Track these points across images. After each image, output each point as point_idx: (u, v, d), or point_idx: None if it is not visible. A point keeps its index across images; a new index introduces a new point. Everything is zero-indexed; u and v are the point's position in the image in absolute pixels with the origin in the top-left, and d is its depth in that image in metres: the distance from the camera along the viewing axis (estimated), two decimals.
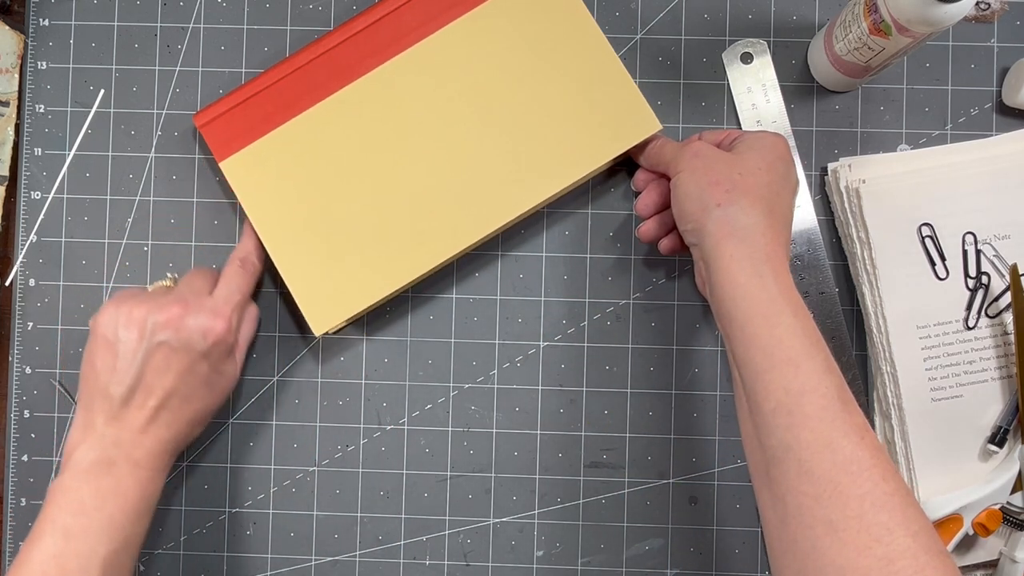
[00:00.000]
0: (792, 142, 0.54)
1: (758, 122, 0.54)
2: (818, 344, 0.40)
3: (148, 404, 0.46)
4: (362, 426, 0.55)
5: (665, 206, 0.51)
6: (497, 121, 0.51)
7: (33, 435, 0.55)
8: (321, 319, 0.51)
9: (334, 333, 0.54)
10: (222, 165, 0.52)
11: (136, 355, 0.46)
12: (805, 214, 0.54)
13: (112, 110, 0.56)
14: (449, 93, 0.51)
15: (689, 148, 0.47)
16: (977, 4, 0.54)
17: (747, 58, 0.55)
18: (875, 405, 0.53)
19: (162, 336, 0.46)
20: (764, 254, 0.42)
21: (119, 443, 0.45)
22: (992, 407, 0.52)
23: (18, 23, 0.56)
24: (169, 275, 0.55)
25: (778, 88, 0.54)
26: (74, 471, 0.44)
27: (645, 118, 0.50)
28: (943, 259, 0.52)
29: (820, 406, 0.38)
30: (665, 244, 0.52)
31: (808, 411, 0.38)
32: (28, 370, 0.55)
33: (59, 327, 0.55)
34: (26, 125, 0.56)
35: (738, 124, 0.55)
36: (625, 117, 0.51)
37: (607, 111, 0.51)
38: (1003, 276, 0.52)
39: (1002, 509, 0.51)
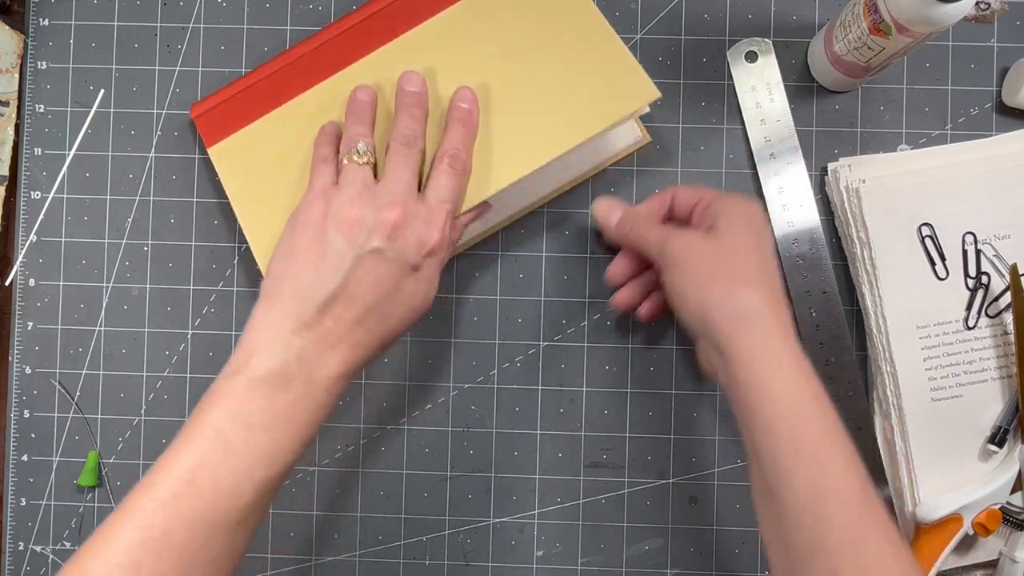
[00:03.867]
0: (795, 141, 0.54)
1: (762, 120, 0.54)
2: (841, 438, 0.40)
3: (345, 317, 0.41)
4: (362, 426, 0.55)
5: (639, 271, 0.51)
6: (491, 103, 0.50)
7: (33, 435, 0.55)
8: None
9: None
10: (210, 151, 0.51)
11: (345, 259, 0.41)
12: (808, 213, 0.54)
13: (112, 110, 0.56)
14: (441, 76, 0.51)
15: (674, 244, 0.45)
16: (977, 4, 0.54)
17: (752, 57, 0.55)
18: (875, 405, 0.53)
19: (376, 243, 0.41)
20: (779, 341, 0.42)
21: (303, 357, 0.40)
22: (992, 407, 0.52)
23: (18, 23, 0.56)
24: (363, 148, 0.46)
25: (782, 87, 0.54)
26: (250, 378, 0.39)
27: (643, 85, 0.48)
28: (943, 259, 0.52)
29: (846, 506, 0.38)
30: (645, 311, 0.51)
31: (834, 512, 0.38)
32: (28, 370, 0.55)
33: (59, 327, 0.55)
34: (26, 125, 0.56)
35: (741, 123, 0.55)
36: (623, 85, 0.49)
37: (605, 81, 0.49)
38: (1003, 276, 0.52)
39: (1002, 509, 0.51)
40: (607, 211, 0.51)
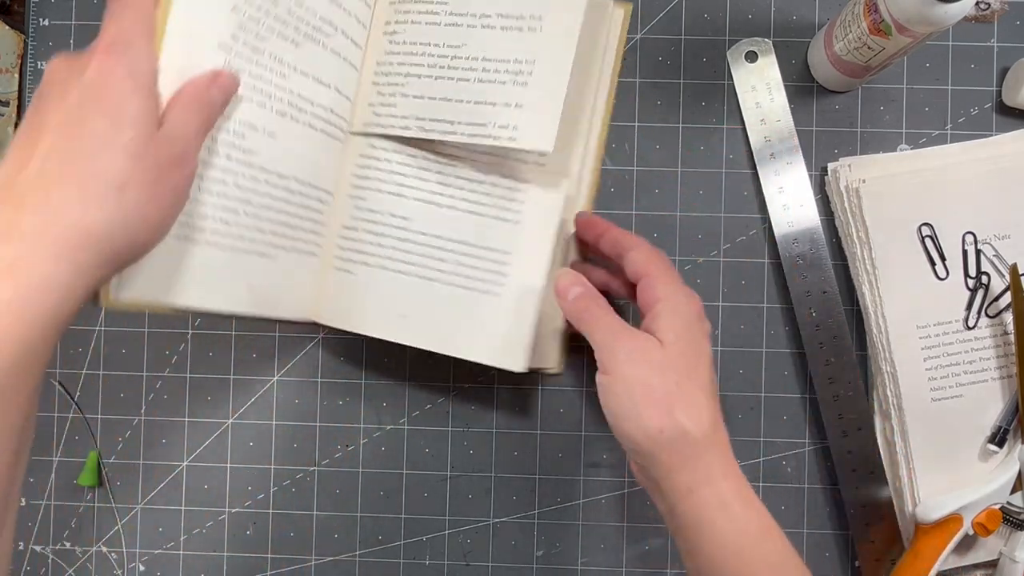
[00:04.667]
0: (795, 141, 0.54)
1: (762, 120, 0.54)
2: (788, 569, 0.40)
3: None
4: (362, 426, 0.55)
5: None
6: None
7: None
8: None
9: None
10: None
11: None
12: (808, 213, 0.54)
13: None
14: None
15: (618, 352, 0.41)
16: (977, 4, 0.54)
17: (752, 57, 0.55)
18: (875, 405, 0.53)
19: None
20: (721, 475, 0.39)
21: None
22: (992, 407, 0.52)
23: (18, 23, 0.56)
24: None
25: (782, 87, 0.54)
26: None
27: None
28: (943, 259, 0.52)
29: None
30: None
31: None
32: None
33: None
34: None
35: (741, 123, 0.55)
36: None
37: None
38: (1003, 276, 0.52)
39: (1002, 509, 0.51)
40: (567, 285, 0.44)
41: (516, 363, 0.47)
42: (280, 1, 0.44)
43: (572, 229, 0.51)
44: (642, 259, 0.44)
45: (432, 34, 0.48)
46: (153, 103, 0.34)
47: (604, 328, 0.42)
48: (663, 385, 0.40)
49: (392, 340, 0.49)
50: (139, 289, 0.38)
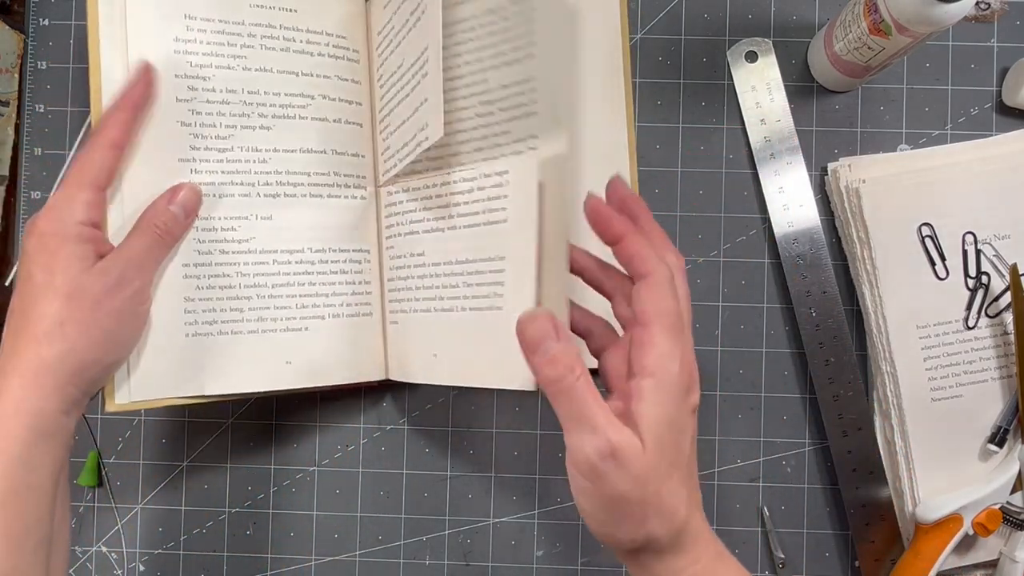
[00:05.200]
0: (795, 141, 0.54)
1: (762, 120, 0.54)
2: None
3: None
4: (362, 426, 0.55)
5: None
6: None
7: None
8: None
9: None
10: None
11: None
12: (808, 213, 0.54)
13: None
14: None
15: (596, 453, 0.34)
16: (977, 4, 0.54)
17: (752, 57, 0.55)
18: (875, 405, 0.53)
19: None
20: (693, 554, 0.37)
21: None
22: (992, 407, 0.52)
23: (18, 23, 0.56)
24: None
25: (782, 87, 0.54)
26: None
27: None
28: (943, 259, 0.52)
29: None
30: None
31: None
32: None
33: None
34: (26, 125, 0.56)
35: (741, 123, 0.55)
36: None
37: None
38: (1003, 276, 0.52)
39: (1002, 509, 0.51)
40: (540, 336, 0.35)
41: (524, 382, 0.39)
42: (230, 100, 0.45)
43: (580, 199, 0.39)
44: (650, 306, 0.36)
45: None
46: (84, 247, 0.40)
47: (578, 415, 0.35)
48: (640, 496, 0.35)
49: (433, 383, 0.46)
50: (153, 389, 0.44)
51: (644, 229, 0.39)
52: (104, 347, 0.41)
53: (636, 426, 0.35)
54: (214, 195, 0.45)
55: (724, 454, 0.54)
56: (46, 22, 0.56)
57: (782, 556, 0.54)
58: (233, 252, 0.45)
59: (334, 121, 0.48)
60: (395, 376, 0.49)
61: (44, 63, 0.56)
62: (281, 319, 0.47)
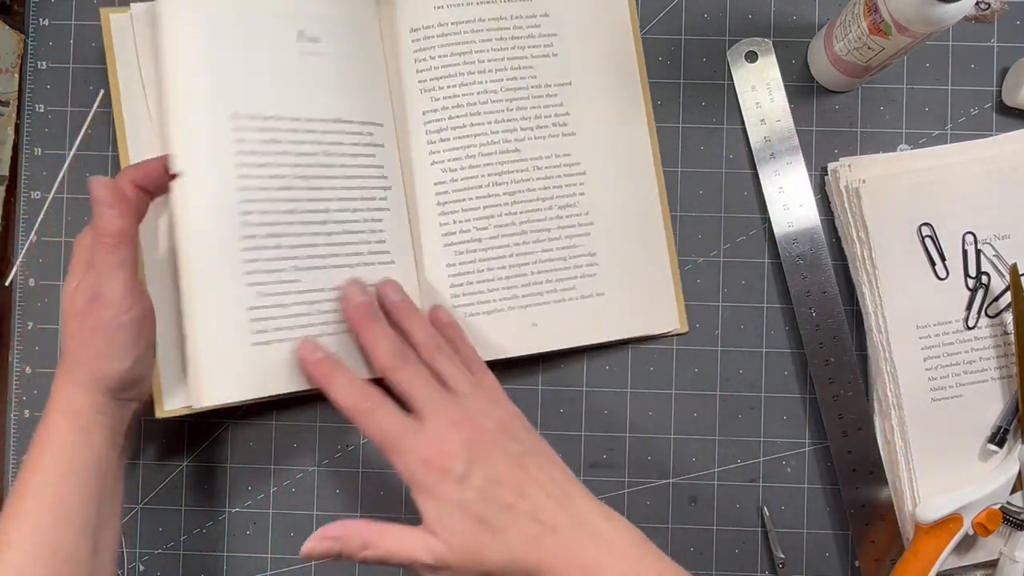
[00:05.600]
0: (795, 141, 0.54)
1: (762, 120, 0.54)
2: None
3: None
4: None
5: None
6: None
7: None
8: None
9: None
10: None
11: None
12: (808, 213, 0.54)
13: (112, 110, 0.56)
14: None
15: (419, 568, 0.41)
16: (977, 4, 0.54)
17: (752, 57, 0.55)
18: (875, 405, 0.53)
19: None
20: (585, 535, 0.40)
21: None
22: (992, 407, 0.52)
23: (18, 23, 0.56)
24: None
25: (782, 87, 0.54)
26: None
27: None
28: (943, 259, 0.52)
29: None
30: None
31: None
32: (28, 370, 0.55)
33: (59, 327, 0.55)
34: (26, 125, 0.56)
35: (741, 123, 0.55)
36: None
37: None
38: (1003, 276, 0.52)
39: (1002, 509, 0.51)
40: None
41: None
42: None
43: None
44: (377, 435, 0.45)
45: None
46: (86, 280, 0.44)
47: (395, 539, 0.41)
48: (476, 572, 0.40)
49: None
50: (223, 393, 0.46)
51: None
52: (104, 360, 0.44)
53: (435, 533, 0.40)
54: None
55: (724, 454, 0.54)
56: (46, 22, 0.56)
57: (782, 556, 0.54)
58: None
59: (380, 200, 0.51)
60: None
61: (44, 63, 0.56)
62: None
